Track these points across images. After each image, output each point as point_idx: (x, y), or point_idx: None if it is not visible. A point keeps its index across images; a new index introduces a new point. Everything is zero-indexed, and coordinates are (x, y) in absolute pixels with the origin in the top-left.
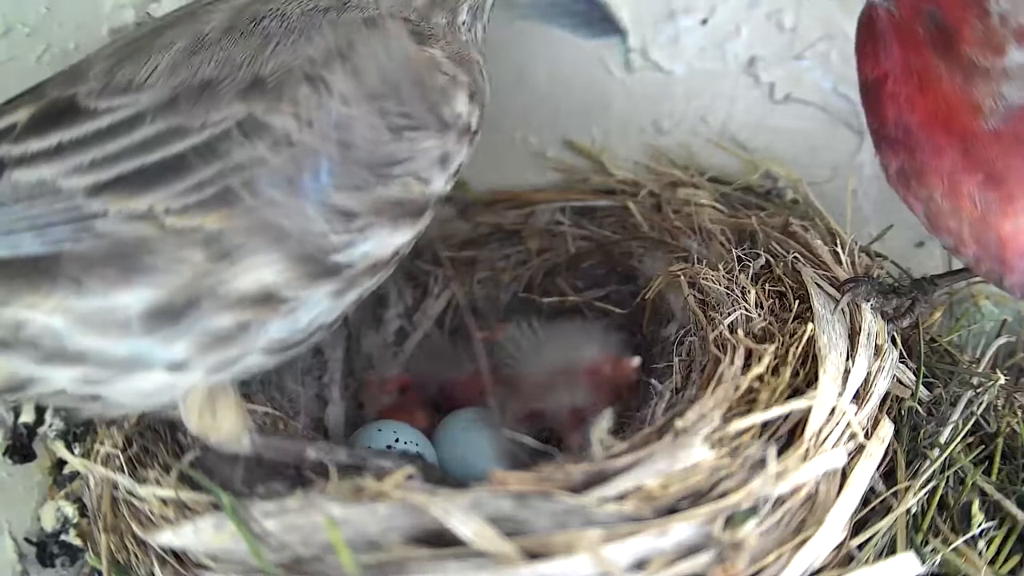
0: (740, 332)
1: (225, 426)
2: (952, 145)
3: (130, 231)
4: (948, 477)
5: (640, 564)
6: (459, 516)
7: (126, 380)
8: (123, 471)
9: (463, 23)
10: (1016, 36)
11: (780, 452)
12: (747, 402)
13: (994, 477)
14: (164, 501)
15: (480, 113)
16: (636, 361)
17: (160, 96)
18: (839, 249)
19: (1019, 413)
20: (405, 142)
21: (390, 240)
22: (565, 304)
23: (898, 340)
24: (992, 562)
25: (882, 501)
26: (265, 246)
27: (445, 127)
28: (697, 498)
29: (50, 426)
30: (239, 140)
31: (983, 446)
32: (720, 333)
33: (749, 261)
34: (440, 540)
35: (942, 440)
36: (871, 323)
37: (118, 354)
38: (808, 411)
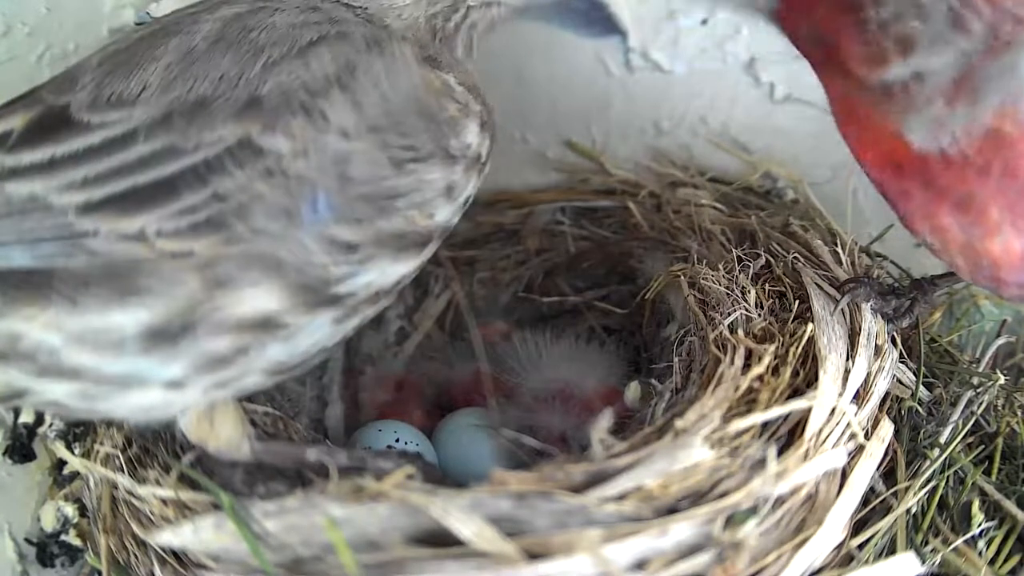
0: (740, 332)
1: (224, 434)
2: (912, 184)
3: (122, 251)
4: (948, 477)
5: (640, 564)
6: (459, 516)
7: (123, 396)
8: (123, 471)
9: (460, 55)
10: (898, 45)
11: (780, 452)
12: (747, 402)
13: (994, 477)
14: (164, 501)
15: (490, 143)
16: (634, 390)
17: (153, 112)
18: (839, 249)
19: (1019, 413)
20: (409, 175)
21: (392, 270)
22: (565, 305)
23: (898, 340)
24: (992, 562)
25: (882, 501)
26: (262, 275)
27: (452, 159)
28: (697, 498)
29: (50, 426)
30: (232, 167)
31: (983, 446)
32: (720, 333)
33: (749, 261)
34: (440, 540)
35: (942, 440)
36: (871, 323)
37: (114, 372)
38: (808, 411)
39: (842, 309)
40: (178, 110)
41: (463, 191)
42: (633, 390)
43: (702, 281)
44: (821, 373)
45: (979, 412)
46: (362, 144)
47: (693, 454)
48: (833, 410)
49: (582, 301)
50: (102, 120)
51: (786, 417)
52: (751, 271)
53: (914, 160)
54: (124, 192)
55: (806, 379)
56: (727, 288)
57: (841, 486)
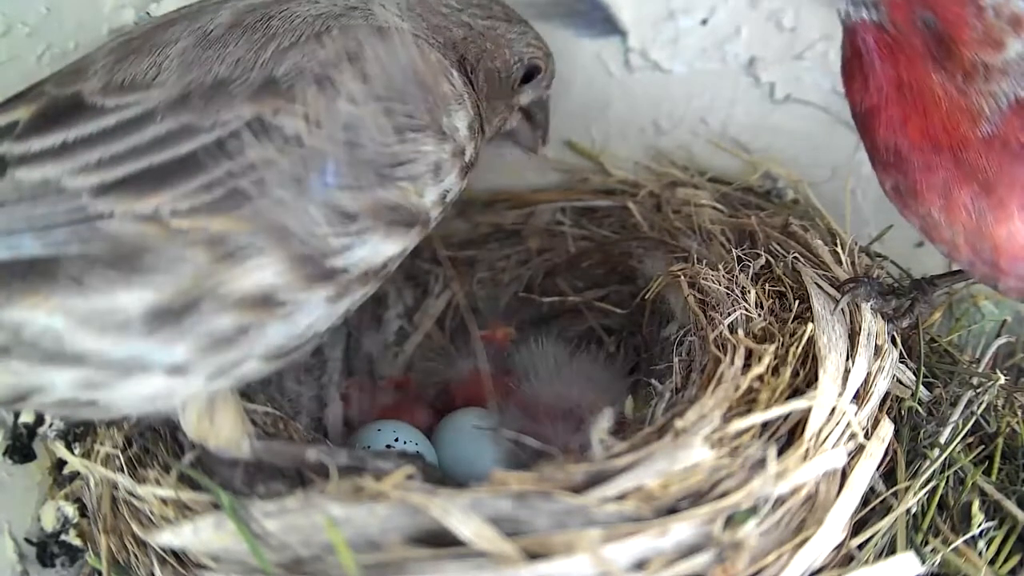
0: (740, 332)
1: (224, 431)
2: (943, 161)
3: (134, 232)
4: (948, 477)
5: (640, 564)
6: (459, 516)
7: (125, 384)
8: (123, 471)
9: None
10: (1012, 25)
11: (780, 452)
12: (747, 402)
13: (994, 477)
14: (164, 501)
15: (475, 151)
16: (629, 404)
17: (171, 93)
18: (839, 249)
19: (1019, 413)
20: (408, 143)
21: (382, 248)
22: (565, 305)
23: (898, 340)
24: (992, 562)
25: (882, 501)
26: (268, 246)
27: (443, 136)
28: (697, 498)
29: (50, 426)
30: (249, 140)
31: (983, 446)
32: (720, 333)
33: (749, 261)
34: (440, 540)
35: (942, 440)
36: (871, 323)
37: (117, 355)
38: (808, 411)
39: (842, 309)
40: (196, 91)
41: (447, 175)
42: (629, 405)
43: (702, 281)
44: (821, 373)
45: (979, 412)
46: (369, 110)
47: (693, 454)
48: (833, 410)
49: (582, 301)
50: (117, 103)
51: (786, 417)
52: (751, 271)
53: (969, 129)
54: (140, 172)
55: (806, 379)
56: (727, 288)
57: (841, 486)
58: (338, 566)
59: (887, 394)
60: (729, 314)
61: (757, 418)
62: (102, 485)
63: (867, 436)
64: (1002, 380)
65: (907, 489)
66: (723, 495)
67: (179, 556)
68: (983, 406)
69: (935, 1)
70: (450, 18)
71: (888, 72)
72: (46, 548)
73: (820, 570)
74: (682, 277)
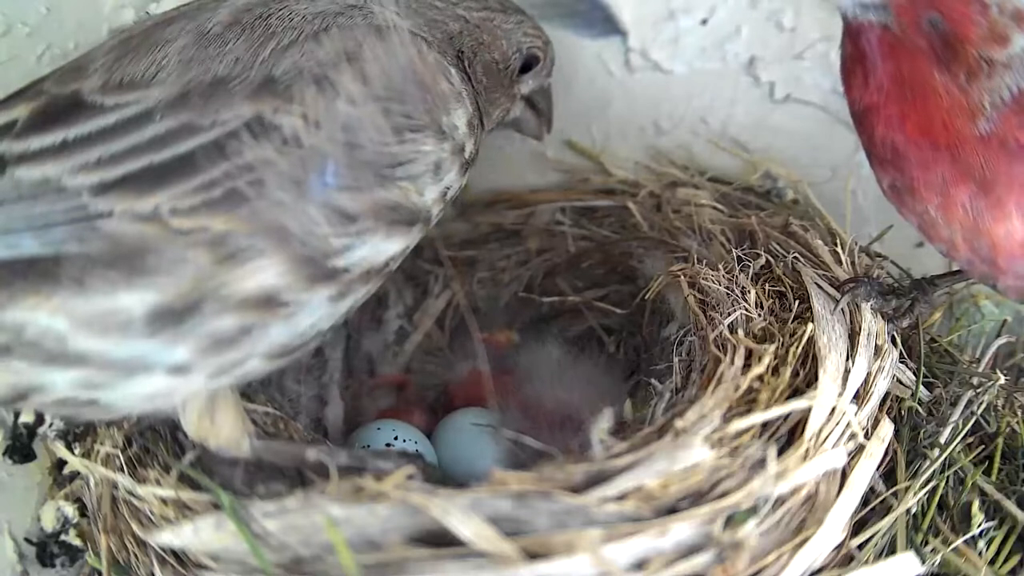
0: (740, 332)
1: (224, 431)
2: (940, 159)
3: (134, 232)
4: (948, 477)
5: (640, 564)
6: (459, 516)
7: (127, 384)
8: (123, 471)
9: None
10: (1016, 20)
11: (780, 452)
12: (747, 402)
13: (994, 477)
14: (164, 501)
15: (475, 146)
16: (628, 407)
17: (170, 92)
18: (839, 249)
19: (1019, 413)
20: (408, 143)
21: (384, 247)
22: (565, 304)
23: (898, 340)
24: (992, 562)
25: (882, 501)
26: (269, 247)
27: (443, 135)
28: (697, 498)
29: (50, 426)
30: (248, 140)
31: (983, 446)
32: (720, 333)
33: (749, 261)
34: (440, 540)
35: (942, 440)
36: (871, 323)
37: (119, 356)
38: (808, 411)
39: (842, 309)
40: (195, 90)
41: (447, 173)
42: (628, 408)
43: (702, 281)
44: (821, 373)
45: (979, 412)
46: (368, 110)
47: (693, 454)
48: (833, 410)
49: (582, 301)
50: (116, 102)
51: (786, 417)
52: (751, 271)
53: (966, 126)
54: (140, 171)
55: (806, 379)
56: (727, 288)
57: (841, 486)
58: (338, 566)
59: (887, 394)
60: (729, 314)
61: (757, 418)
62: (102, 485)
63: (867, 436)
64: (1002, 380)
65: (907, 489)
66: (723, 495)
67: (179, 556)
68: (983, 406)
69: (941, 1)
70: (445, 12)
71: (890, 71)
72: (46, 548)
73: (820, 570)
74: (682, 277)
